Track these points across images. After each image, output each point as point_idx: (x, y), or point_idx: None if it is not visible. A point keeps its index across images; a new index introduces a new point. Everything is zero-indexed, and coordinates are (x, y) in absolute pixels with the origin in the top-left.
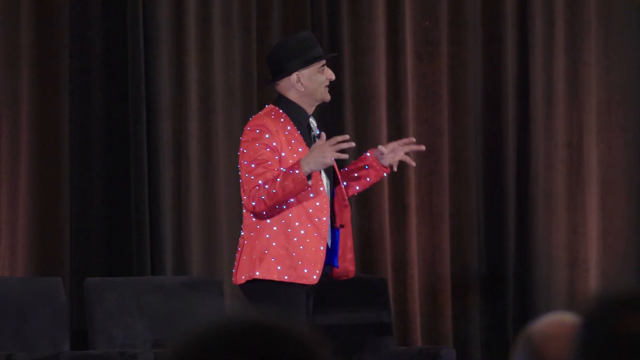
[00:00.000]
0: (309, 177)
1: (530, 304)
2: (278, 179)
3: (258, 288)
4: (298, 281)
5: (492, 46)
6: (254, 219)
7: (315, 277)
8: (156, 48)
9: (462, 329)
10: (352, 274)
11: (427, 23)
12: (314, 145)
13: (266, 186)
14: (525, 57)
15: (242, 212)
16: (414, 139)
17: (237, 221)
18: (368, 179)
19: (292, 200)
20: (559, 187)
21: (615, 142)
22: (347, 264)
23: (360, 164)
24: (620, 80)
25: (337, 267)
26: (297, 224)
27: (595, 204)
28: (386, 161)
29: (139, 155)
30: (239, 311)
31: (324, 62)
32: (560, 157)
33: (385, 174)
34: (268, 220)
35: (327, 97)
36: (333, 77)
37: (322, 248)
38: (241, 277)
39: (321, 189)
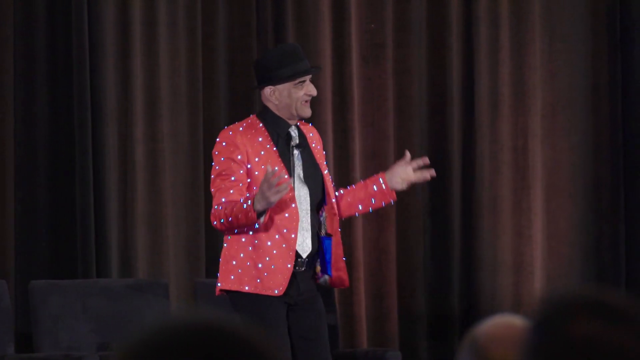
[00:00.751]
0: (260, 214)
1: (475, 306)
2: (234, 208)
3: (231, 298)
4: (263, 293)
5: (437, 50)
6: None
7: (279, 289)
8: (101, 52)
9: (408, 332)
10: (346, 283)
11: (372, 25)
12: (260, 184)
13: (225, 210)
14: (471, 61)
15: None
16: (427, 160)
17: (183, 224)
18: (373, 201)
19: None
20: (505, 190)
21: (560, 146)
22: (340, 272)
23: (369, 184)
24: (564, 85)
25: (331, 275)
26: (264, 235)
27: (540, 207)
28: (396, 184)
29: (84, 159)
30: (183, 313)
31: (301, 78)
32: (506, 161)
33: (392, 201)
34: (237, 232)
35: (305, 114)
36: (314, 93)
37: (289, 260)
38: (218, 286)
39: (293, 204)
